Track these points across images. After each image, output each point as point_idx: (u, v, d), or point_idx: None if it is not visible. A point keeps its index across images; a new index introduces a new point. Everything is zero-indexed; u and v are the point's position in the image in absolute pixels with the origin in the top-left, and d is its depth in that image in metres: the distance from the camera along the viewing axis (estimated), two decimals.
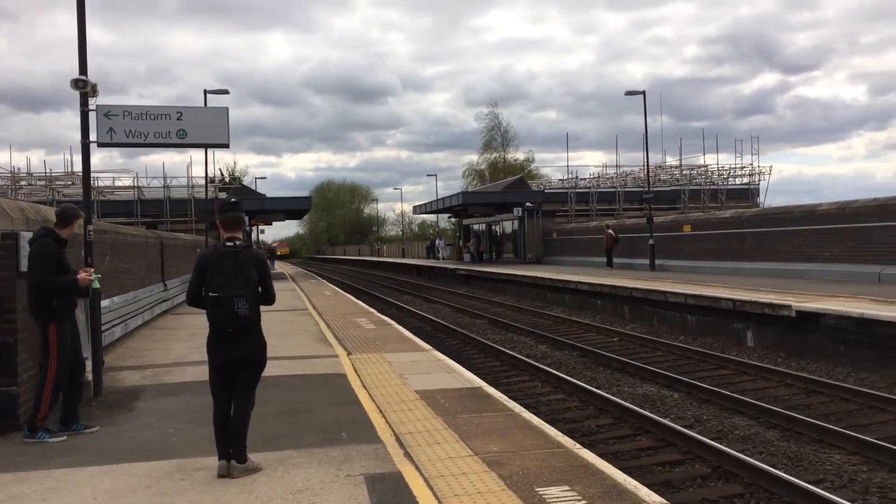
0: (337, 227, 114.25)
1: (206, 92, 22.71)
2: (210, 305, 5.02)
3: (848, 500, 6.02)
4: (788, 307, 13.18)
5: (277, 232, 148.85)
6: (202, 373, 9.40)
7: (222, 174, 53.48)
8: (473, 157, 79.17)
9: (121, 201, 37.33)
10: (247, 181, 54.09)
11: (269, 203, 37.45)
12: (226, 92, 25.48)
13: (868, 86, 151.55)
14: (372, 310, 18.45)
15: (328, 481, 4.93)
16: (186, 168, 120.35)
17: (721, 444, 7.81)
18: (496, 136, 67.15)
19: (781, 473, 6.71)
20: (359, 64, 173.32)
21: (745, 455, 7.35)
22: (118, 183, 39.15)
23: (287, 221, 59.00)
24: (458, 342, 16.67)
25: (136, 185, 37.99)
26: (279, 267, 61.05)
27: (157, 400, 7.87)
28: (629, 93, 28.87)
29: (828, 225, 19.03)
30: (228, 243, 5.13)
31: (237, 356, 5.11)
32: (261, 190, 46.77)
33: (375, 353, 10.62)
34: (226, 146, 8.12)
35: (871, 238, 17.49)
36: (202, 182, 33.40)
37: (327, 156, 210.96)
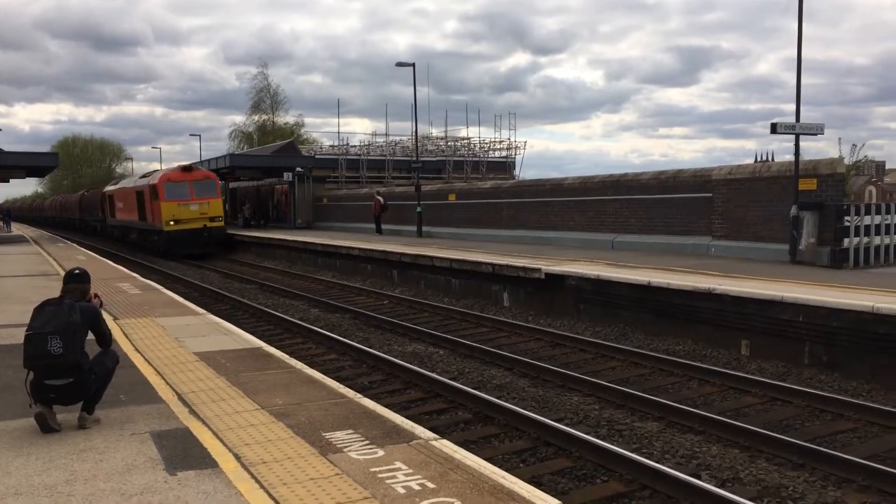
0: (84, 187, 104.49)
1: None
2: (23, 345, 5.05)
3: (583, 433, 7.09)
4: (539, 270, 14.67)
5: (12, 190, 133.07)
6: None
7: None
8: (236, 118, 76.16)
9: None
10: None
11: (9, 158, 33.43)
12: None
13: (605, 71, 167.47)
14: (134, 274, 17.56)
15: (112, 440, 4.93)
16: None
17: (481, 392, 8.71)
18: (265, 98, 65.16)
19: (531, 413, 7.71)
20: (103, 8, 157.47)
21: (501, 400, 8.30)
22: None
23: (28, 179, 53.10)
24: (229, 307, 16.44)
25: None
26: (16, 229, 55.07)
27: None
28: (399, 64, 29.63)
29: (572, 197, 21.20)
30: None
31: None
32: None
33: (145, 318, 10.31)
34: None
35: (606, 210, 19.80)
36: None
37: (68, 108, 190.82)
